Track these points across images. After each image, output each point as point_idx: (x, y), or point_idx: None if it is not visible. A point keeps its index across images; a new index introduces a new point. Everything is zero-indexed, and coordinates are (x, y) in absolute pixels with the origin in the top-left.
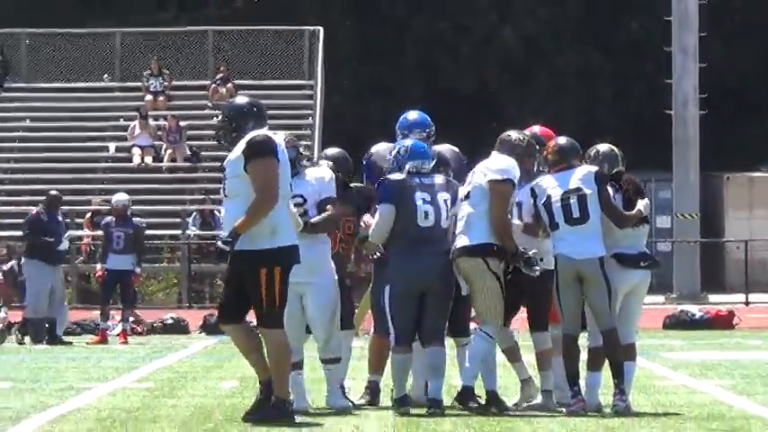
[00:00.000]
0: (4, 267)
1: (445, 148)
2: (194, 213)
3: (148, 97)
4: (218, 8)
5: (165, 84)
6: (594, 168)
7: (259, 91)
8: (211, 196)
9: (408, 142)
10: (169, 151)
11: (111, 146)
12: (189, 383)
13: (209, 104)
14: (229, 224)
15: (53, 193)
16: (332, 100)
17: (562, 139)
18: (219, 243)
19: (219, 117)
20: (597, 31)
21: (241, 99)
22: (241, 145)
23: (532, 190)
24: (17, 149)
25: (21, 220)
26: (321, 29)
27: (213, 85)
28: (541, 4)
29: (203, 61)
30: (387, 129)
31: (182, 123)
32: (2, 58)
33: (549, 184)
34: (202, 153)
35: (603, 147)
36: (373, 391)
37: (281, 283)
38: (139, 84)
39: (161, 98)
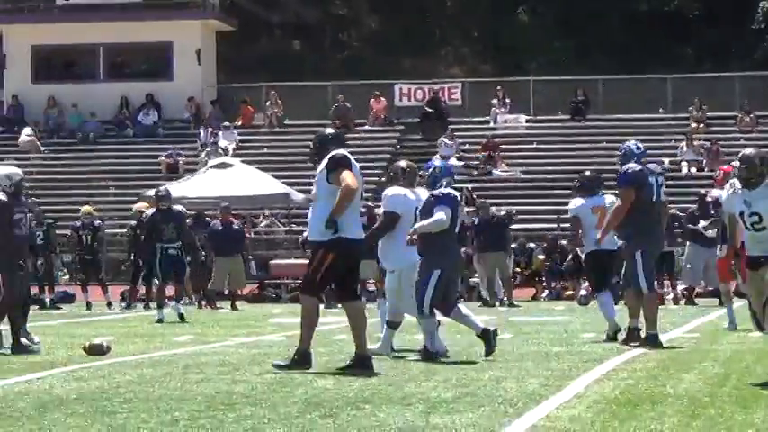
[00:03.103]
0: None
1: None
2: None
3: (693, 125)
4: (743, 58)
5: (702, 115)
6: None
7: None
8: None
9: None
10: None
11: (666, 160)
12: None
13: (737, 129)
14: (314, 220)
15: None
16: None
17: None
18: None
19: (311, 144)
20: None
21: (327, 130)
22: (325, 161)
23: None
24: (601, 157)
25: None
26: None
27: (739, 116)
28: None
29: (734, 98)
30: None
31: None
32: (585, 98)
33: None
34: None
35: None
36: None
37: (330, 265)
38: (687, 114)
39: (701, 125)
